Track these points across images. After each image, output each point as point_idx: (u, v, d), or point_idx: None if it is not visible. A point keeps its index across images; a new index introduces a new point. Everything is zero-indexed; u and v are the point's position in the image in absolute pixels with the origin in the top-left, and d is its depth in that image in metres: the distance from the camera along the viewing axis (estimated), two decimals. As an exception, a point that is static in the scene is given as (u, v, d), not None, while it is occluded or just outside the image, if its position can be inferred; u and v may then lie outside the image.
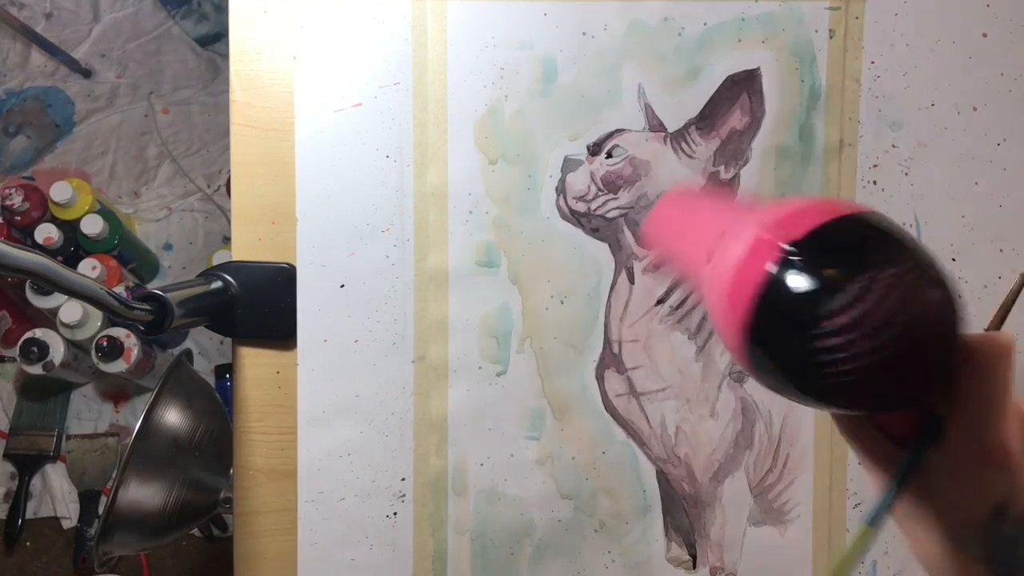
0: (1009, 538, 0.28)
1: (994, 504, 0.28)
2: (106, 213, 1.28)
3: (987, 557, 0.28)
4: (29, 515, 1.34)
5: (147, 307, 0.47)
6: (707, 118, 0.57)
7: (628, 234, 0.57)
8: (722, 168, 0.57)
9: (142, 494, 0.61)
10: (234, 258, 0.57)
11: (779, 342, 0.26)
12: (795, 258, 0.26)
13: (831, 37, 0.57)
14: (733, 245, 0.29)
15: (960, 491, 0.28)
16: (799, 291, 0.25)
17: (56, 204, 1.23)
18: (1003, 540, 0.28)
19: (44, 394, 1.37)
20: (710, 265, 0.31)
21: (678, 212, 0.41)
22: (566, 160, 0.57)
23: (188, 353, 1.37)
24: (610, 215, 0.57)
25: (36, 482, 1.35)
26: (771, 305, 0.26)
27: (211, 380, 1.35)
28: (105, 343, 1.18)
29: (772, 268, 0.26)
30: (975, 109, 0.58)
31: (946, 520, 0.29)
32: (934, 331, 0.25)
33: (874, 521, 0.29)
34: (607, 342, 0.57)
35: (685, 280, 0.37)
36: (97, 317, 1.21)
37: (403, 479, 0.57)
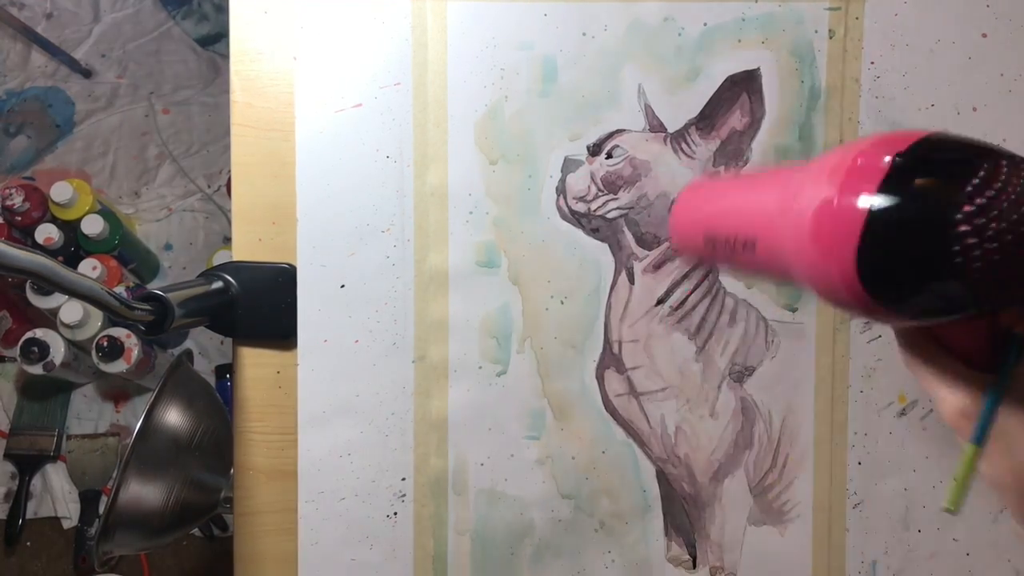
0: None
1: None
2: (106, 213, 1.28)
3: None
4: (29, 515, 1.34)
5: (147, 307, 0.47)
6: (707, 118, 0.57)
7: (628, 234, 0.57)
8: (722, 168, 0.57)
9: (142, 494, 0.61)
10: (234, 258, 0.57)
11: (910, 244, 0.26)
12: (911, 162, 0.26)
13: (831, 37, 0.57)
14: (814, 184, 0.29)
15: None
16: (926, 187, 0.26)
17: (56, 204, 1.23)
18: None
19: (44, 394, 1.37)
20: (783, 217, 0.30)
21: (716, 193, 0.40)
22: (566, 160, 0.57)
23: (188, 353, 1.38)
24: (610, 215, 0.57)
25: (36, 482, 1.35)
26: (893, 212, 0.26)
27: (211, 380, 1.35)
28: (105, 343, 1.18)
29: (883, 177, 0.26)
30: (975, 109, 0.58)
31: None
32: None
33: (979, 439, 0.30)
34: (607, 342, 0.58)
35: (714, 257, 0.37)
36: (97, 317, 1.21)
37: (403, 479, 0.57)
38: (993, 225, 0.25)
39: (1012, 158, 0.26)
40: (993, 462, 0.32)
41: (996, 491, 0.32)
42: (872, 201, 0.27)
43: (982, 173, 0.25)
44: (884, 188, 0.26)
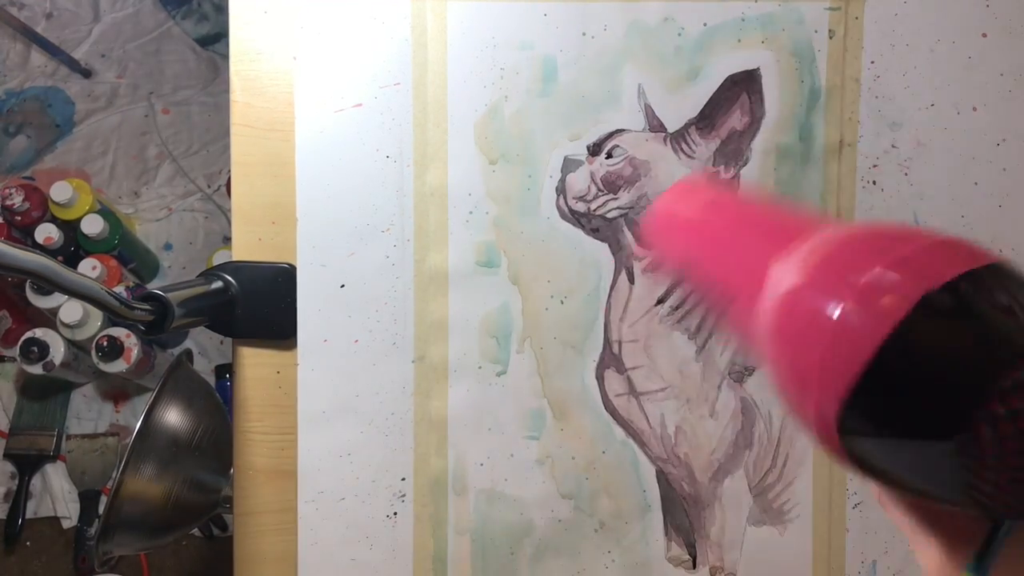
0: None
1: None
2: (106, 213, 1.28)
3: None
4: (29, 515, 1.34)
5: (147, 307, 0.47)
6: (707, 118, 0.57)
7: (628, 234, 0.57)
8: (722, 168, 0.57)
9: (142, 494, 0.61)
10: (234, 258, 0.57)
11: (919, 408, 0.20)
12: (946, 303, 0.20)
13: (831, 37, 0.57)
14: (805, 286, 0.23)
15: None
16: (960, 340, 0.20)
17: (56, 204, 1.23)
18: None
19: (44, 394, 1.37)
20: (764, 303, 0.25)
21: (695, 214, 0.34)
22: (566, 160, 0.57)
23: (188, 353, 1.37)
24: (610, 215, 0.57)
25: (36, 482, 1.35)
26: (906, 361, 0.20)
27: (211, 380, 1.35)
28: (105, 343, 1.18)
29: (905, 315, 0.20)
30: (975, 109, 0.58)
31: None
32: None
33: None
34: (607, 342, 0.57)
35: (691, 284, 0.31)
36: (97, 317, 1.21)
37: (403, 479, 0.57)
38: None
39: None
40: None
41: None
42: (885, 340, 0.20)
43: None
44: (906, 330, 0.20)
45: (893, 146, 0.58)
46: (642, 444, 0.58)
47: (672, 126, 0.57)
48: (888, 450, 0.22)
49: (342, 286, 0.57)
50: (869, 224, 0.24)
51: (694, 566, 0.58)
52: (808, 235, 0.25)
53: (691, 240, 0.33)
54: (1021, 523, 0.24)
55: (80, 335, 1.20)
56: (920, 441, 0.21)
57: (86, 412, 1.37)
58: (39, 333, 1.23)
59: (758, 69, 0.57)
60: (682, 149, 0.57)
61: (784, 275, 0.24)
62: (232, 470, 0.58)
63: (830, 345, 0.22)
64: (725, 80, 0.57)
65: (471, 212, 0.57)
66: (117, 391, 1.37)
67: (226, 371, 1.35)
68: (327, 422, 0.57)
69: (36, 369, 1.21)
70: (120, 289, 1.23)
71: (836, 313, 0.22)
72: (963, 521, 0.25)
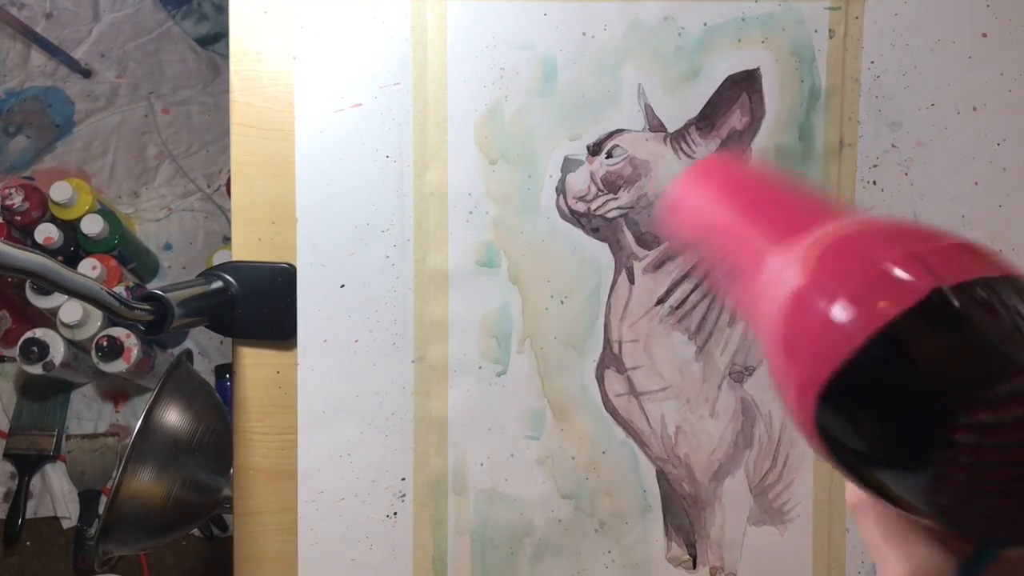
0: None
1: None
2: (106, 213, 1.28)
3: None
4: (29, 515, 1.34)
5: (147, 307, 0.47)
6: (707, 118, 0.57)
7: (628, 234, 0.57)
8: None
9: (142, 494, 0.61)
10: (234, 258, 0.57)
11: (894, 409, 0.20)
12: (948, 303, 0.20)
13: (831, 37, 0.57)
14: (812, 272, 0.22)
15: None
16: (951, 344, 0.19)
17: (56, 204, 1.23)
18: None
19: (44, 394, 1.37)
20: (764, 276, 0.25)
21: (714, 190, 0.33)
22: (566, 160, 0.57)
23: (188, 353, 1.37)
24: (610, 215, 0.57)
25: (36, 482, 1.35)
26: (890, 358, 0.20)
27: (211, 380, 1.35)
28: (105, 343, 1.18)
29: (909, 307, 0.20)
30: (975, 109, 0.58)
31: None
32: None
33: None
34: (607, 342, 0.57)
35: (709, 274, 0.30)
36: (97, 317, 1.21)
37: (403, 479, 0.57)
38: (1010, 438, 0.18)
39: None
40: None
41: None
42: (879, 329, 0.20)
43: None
44: (904, 323, 0.20)
45: (893, 146, 0.58)
46: (642, 444, 0.58)
47: (672, 126, 0.57)
48: (860, 446, 0.21)
49: (342, 286, 0.57)
50: (884, 218, 0.23)
51: (694, 566, 0.58)
52: (824, 221, 0.25)
53: (704, 216, 0.32)
54: (1004, 549, 0.22)
55: (80, 335, 1.20)
56: (894, 447, 0.20)
57: (86, 412, 1.37)
58: (39, 333, 1.23)
59: (758, 69, 0.57)
60: (682, 149, 0.57)
61: (792, 260, 0.24)
62: (232, 470, 0.58)
63: (825, 327, 0.21)
64: (725, 80, 0.57)
65: (471, 212, 0.57)
66: (117, 391, 1.37)
67: (226, 371, 1.35)
68: (327, 422, 0.57)
69: (36, 369, 1.21)
70: (120, 289, 1.23)
71: (838, 299, 0.21)
72: (939, 538, 0.24)
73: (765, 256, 0.26)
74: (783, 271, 0.24)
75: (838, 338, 0.21)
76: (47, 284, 0.40)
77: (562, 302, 0.57)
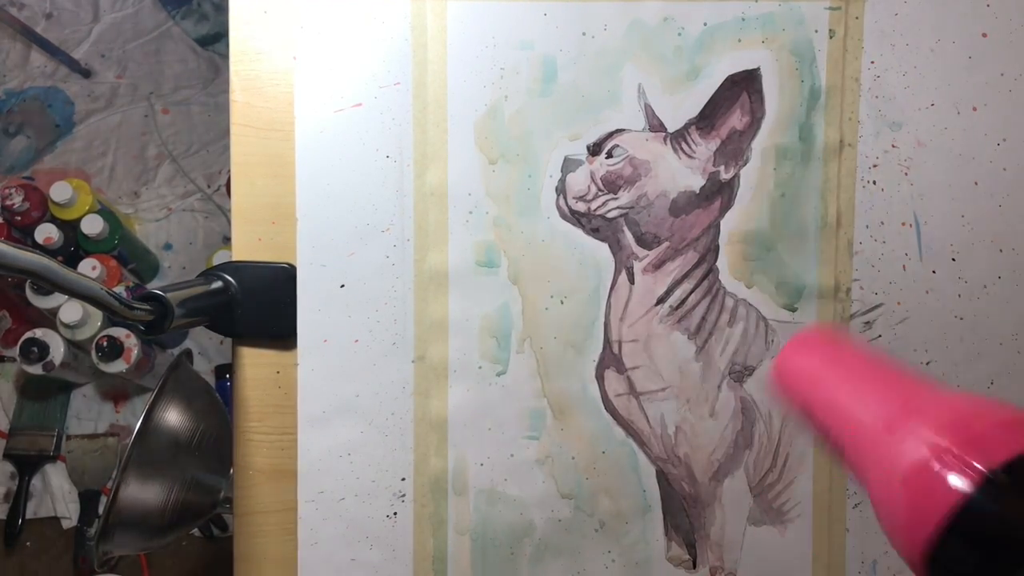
0: None
1: None
2: (106, 213, 1.28)
3: None
4: (29, 515, 1.34)
5: (147, 307, 0.47)
6: (707, 118, 0.57)
7: (628, 234, 0.57)
8: (722, 168, 0.57)
9: (142, 494, 0.61)
10: (234, 258, 0.57)
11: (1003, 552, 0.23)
12: (1001, 483, 0.23)
13: (831, 37, 0.57)
14: (909, 444, 0.26)
15: None
16: (1003, 525, 0.22)
17: (56, 204, 1.23)
18: None
19: (44, 394, 1.37)
20: (879, 455, 0.28)
21: (827, 366, 0.36)
22: (566, 160, 0.57)
23: (188, 353, 1.37)
24: (610, 215, 0.57)
25: (36, 482, 1.35)
26: (964, 533, 0.23)
27: (211, 380, 1.35)
28: (105, 343, 1.18)
29: (967, 489, 0.23)
30: (975, 109, 0.58)
31: None
32: None
33: None
34: (607, 342, 0.57)
35: (813, 430, 0.34)
36: (97, 317, 1.21)
37: (403, 479, 0.57)
38: None
39: None
40: None
41: None
42: (947, 512, 0.23)
43: None
44: (965, 505, 0.23)
45: (893, 146, 0.58)
46: (642, 444, 0.58)
47: (672, 126, 0.57)
48: None
49: (342, 286, 0.57)
50: (961, 397, 0.27)
51: (694, 566, 0.58)
52: (912, 400, 0.28)
53: (809, 392, 0.36)
54: None
55: (80, 335, 1.20)
56: None
57: (86, 412, 1.37)
58: (39, 333, 1.23)
59: (758, 69, 0.57)
60: (682, 149, 0.57)
61: (907, 433, 0.27)
62: (232, 470, 0.58)
63: (908, 508, 0.25)
64: (725, 80, 0.57)
65: (471, 212, 0.57)
66: (117, 391, 1.38)
67: (226, 371, 1.35)
68: (327, 422, 0.57)
69: (36, 369, 1.21)
70: (120, 289, 1.24)
71: (911, 479, 0.25)
72: None
73: (875, 428, 0.29)
74: (901, 444, 0.27)
75: (922, 517, 0.24)
76: (47, 284, 0.40)
77: (562, 302, 0.57)
